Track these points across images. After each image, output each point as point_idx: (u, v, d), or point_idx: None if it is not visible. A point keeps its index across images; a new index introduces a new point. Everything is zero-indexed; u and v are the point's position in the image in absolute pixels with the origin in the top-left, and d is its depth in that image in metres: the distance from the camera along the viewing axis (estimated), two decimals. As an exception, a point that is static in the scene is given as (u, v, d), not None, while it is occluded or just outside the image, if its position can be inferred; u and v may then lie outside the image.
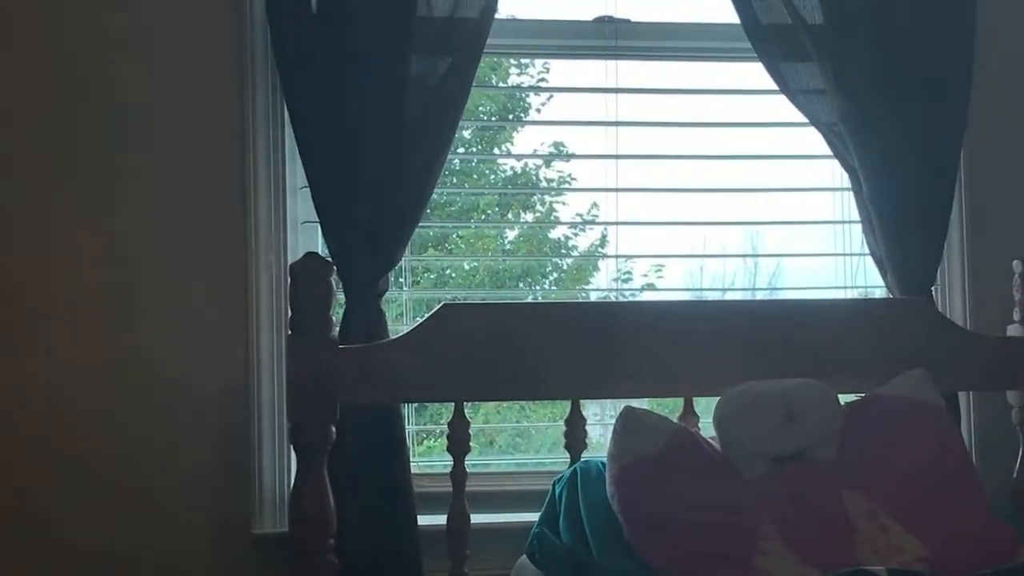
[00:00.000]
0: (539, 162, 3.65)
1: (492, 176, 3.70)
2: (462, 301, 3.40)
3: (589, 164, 3.61)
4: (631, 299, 3.62)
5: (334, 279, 2.92)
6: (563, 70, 3.64)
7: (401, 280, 3.42)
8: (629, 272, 3.64)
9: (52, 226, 3.14)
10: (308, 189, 3.13)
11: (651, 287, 3.63)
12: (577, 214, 3.64)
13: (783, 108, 3.40)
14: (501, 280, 3.64)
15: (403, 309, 3.43)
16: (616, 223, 3.54)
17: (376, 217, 3.10)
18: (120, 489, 3.12)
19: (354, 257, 3.09)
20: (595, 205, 3.60)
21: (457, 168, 3.63)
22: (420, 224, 3.20)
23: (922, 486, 2.81)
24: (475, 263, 3.66)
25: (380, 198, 3.09)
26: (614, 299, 3.59)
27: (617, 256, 3.60)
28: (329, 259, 3.00)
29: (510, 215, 3.71)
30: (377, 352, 2.97)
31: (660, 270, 3.62)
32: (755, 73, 3.41)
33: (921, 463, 2.85)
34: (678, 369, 3.06)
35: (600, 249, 3.65)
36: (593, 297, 3.68)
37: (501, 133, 3.70)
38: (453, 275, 3.67)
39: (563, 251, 3.69)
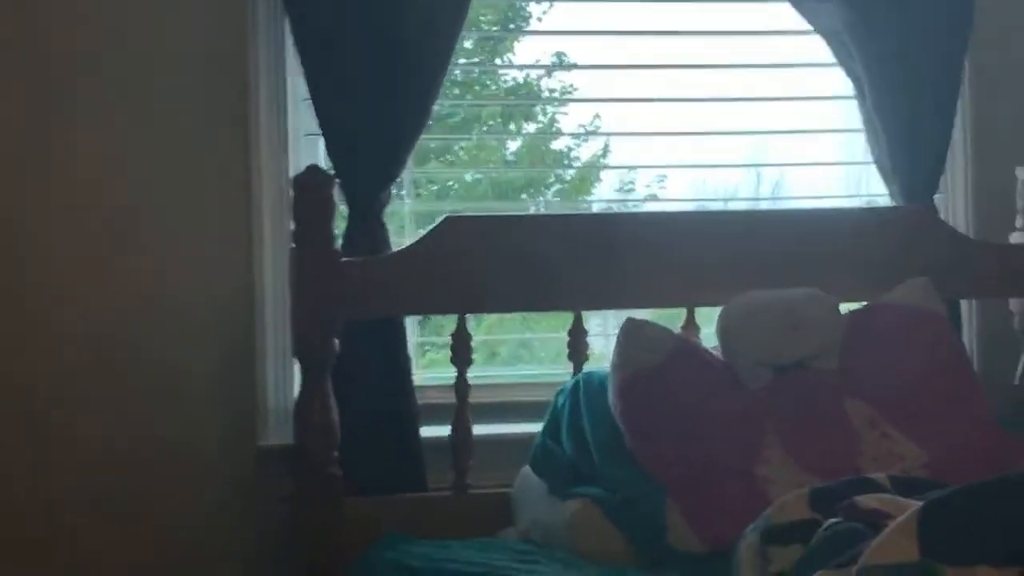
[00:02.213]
0: (541, 72, 3.61)
1: (494, 87, 3.67)
2: (464, 214, 3.33)
3: (591, 74, 3.56)
4: (633, 210, 3.59)
5: (336, 192, 2.91)
6: (563, -23, 3.73)
7: (403, 193, 3.38)
8: (631, 183, 3.63)
9: (53, 147, 3.10)
10: (310, 101, 3.09)
11: (653, 198, 3.62)
12: (579, 125, 3.59)
13: (788, 16, 3.33)
14: (504, 192, 3.61)
15: (405, 222, 3.40)
16: (618, 134, 3.53)
17: (378, 129, 3.07)
18: (126, 403, 3.10)
19: (356, 169, 3.08)
20: (597, 116, 3.56)
21: (459, 79, 3.59)
22: (422, 136, 3.16)
23: (924, 394, 2.81)
24: (478, 175, 3.64)
25: (382, 110, 3.06)
26: (616, 210, 3.58)
27: (619, 167, 3.59)
28: (331, 172, 2.98)
29: (512, 126, 3.68)
30: (380, 265, 2.98)
31: (663, 181, 3.60)
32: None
33: (923, 371, 2.86)
34: (681, 280, 3.05)
35: (602, 160, 3.63)
36: (595, 208, 3.67)
37: (502, 43, 3.64)
38: (455, 187, 3.64)
39: (565, 162, 3.66)
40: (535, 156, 3.65)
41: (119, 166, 3.13)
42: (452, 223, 3.01)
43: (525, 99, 3.65)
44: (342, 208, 3.07)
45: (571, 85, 3.59)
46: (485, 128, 3.63)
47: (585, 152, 3.65)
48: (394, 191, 3.20)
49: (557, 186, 3.71)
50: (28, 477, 3.08)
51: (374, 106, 3.07)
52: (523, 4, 3.61)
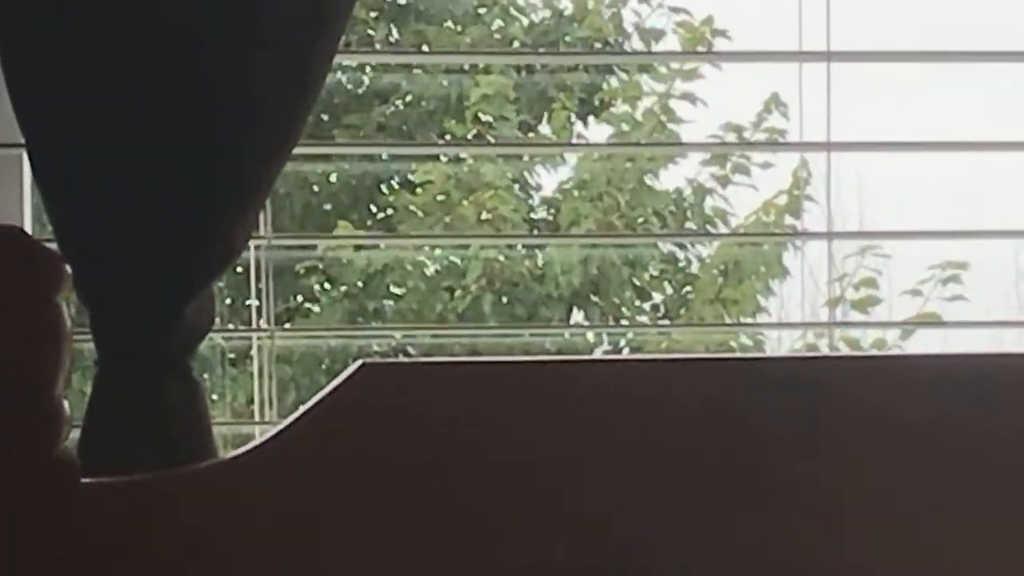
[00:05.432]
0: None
1: (498, 21, 3.47)
2: (407, 359, 3.26)
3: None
4: (875, 353, 3.37)
5: (66, 298, 2.56)
6: None
7: (251, 302, 3.24)
8: (874, 277, 3.46)
9: None
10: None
11: (933, 321, 3.43)
12: (728, 123, 3.39)
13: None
14: (528, 295, 3.43)
15: (262, 379, 3.30)
16: (827, 145, 3.47)
17: (183, 124, 2.64)
18: None
19: (120, 237, 2.72)
20: (775, 100, 3.39)
21: (404, 1, 3.34)
22: (300, 145, 2.73)
23: None
24: (460, 251, 3.43)
25: (190, 75, 2.55)
26: (827, 352, 3.49)
27: (831, 235, 3.57)
28: (53, 245, 2.66)
29: (547, 126, 3.46)
30: (185, 494, 2.61)
31: (957, 276, 3.45)
32: None
33: None
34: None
35: (791, 218, 3.47)
36: (772, 347, 3.52)
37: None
38: (396, 281, 3.45)
39: (691, 221, 3.49)
40: (612, 208, 3.52)
41: None
42: (377, 379, 2.60)
43: (580, 51, 3.49)
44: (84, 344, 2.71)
45: (709, 21, 3.52)
46: (474, 130, 3.53)
47: (743, 198, 3.71)
48: (229, 298, 3.30)
49: (673, 282, 3.68)
50: None
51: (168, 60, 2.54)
52: None
